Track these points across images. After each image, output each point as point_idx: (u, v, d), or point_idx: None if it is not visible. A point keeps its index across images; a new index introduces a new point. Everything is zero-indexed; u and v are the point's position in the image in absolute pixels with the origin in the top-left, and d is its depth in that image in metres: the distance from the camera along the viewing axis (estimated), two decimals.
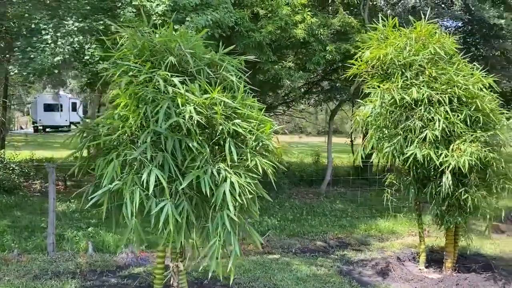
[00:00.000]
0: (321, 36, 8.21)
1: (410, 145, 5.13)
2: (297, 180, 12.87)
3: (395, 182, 5.86)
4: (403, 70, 5.34)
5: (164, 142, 3.56)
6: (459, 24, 12.94)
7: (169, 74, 3.68)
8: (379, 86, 5.34)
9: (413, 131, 5.14)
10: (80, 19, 6.70)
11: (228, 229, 3.56)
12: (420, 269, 5.89)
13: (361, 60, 5.73)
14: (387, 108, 5.37)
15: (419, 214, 5.96)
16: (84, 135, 4.08)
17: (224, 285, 5.30)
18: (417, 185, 5.65)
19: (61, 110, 31.36)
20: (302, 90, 11.35)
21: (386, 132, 5.44)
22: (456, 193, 5.18)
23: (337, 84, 10.89)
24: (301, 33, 7.83)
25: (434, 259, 6.24)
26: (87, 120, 5.60)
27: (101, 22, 6.71)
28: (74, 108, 31.54)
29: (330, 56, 8.24)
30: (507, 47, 9.84)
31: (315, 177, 13.01)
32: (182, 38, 3.96)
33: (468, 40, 12.01)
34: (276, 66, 8.35)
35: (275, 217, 8.84)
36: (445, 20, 12.15)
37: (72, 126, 30.61)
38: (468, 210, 5.28)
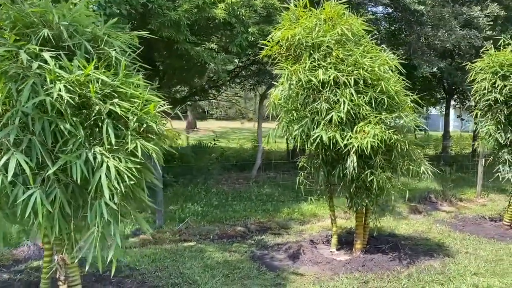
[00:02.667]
0: (243, 17, 7.98)
1: (317, 128, 5.06)
2: (230, 166, 12.72)
3: (305, 165, 5.80)
4: (312, 51, 5.23)
5: (32, 124, 3.22)
6: (389, 11, 13.21)
7: (40, 48, 3.31)
8: (286, 68, 5.21)
9: (319, 113, 5.07)
10: None
11: (106, 218, 3.29)
12: (331, 251, 5.91)
13: (272, 41, 5.57)
14: (295, 91, 5.26)
15: (330, 197, 5.96)
16: None
17: (126, 276, 5.04)
18: (326, 167, 5.63)
19: None
20: (231, 74, 11.10)
21: (295, 114, 5.34)
22: (362, 175, 5.20)
23: (267, 68, 10.74)
24: (221, 13, 7.56)
25: (348, 241, 6.29)
26: None
27: None
28: None
29: (253, 38, 8.05)
30: (427, 33, 10.09)
31: (251, 162, 12.92)
32: (59, 9, 3.59)
33: (395, 26, 12.27)
34: (199, 48, 8.04)
35: (199, 204, 8.62)
36: (374, 6, 12.33)
37: None
38: (374, 192, 5.32)
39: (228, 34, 8.41)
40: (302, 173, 5.93)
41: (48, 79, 3.19)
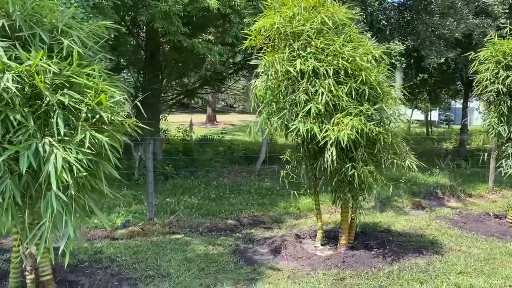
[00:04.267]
0: (238, 8, 7.87)
1: (296, 120, 4.92)
2: (238, 159, 12.67)
3: (288, 158, 5.66)
4: (292, 41, 5.08)
5: None
6: (402, 0, 12.83)
7: None
8: (264, 58, 5.08)
9: (298, 105, 4.93)
10: None
11: (55, 210, 3.27)
12: (315, 246, 5.77)
13: (254, 31, 5.44)
14: (274, 82, 5.13)
15: (315, 191, 5.80)
16: None
17: (104, 267, 5.05)
18: (309, 161, 5.48)
19: None
20: (229, 66, 10.99)
21: (275, 106, 5.21)
22: (343, 169, 5.04)
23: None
24: (214, 4, 7.46)
25: (336, 236, 6.13)
26: None
27: None
28: None
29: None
30: (435, 21, 9.71)
31: (258, 155, 12.82)
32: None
33: (406, 15, 11.90)
34: (195, 40, 7.98)
35: (196, 196, 8.60)
36: None
37: None
38: (356, 186, 5.15)
39: (223, 25, 8.30)
40: (288, 167, 5.80)
41: None
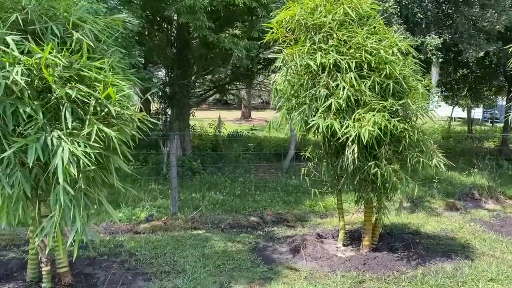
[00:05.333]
0: (265, 1, 7.73)
1: (315, 115, 4.74)
2: (268, 155, 12.54)
3: (309, 155, 5.49)
4: (313, 33, 4.90)
5: None
6: None
7: (4, 32, 3.34)
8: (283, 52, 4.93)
9: (318, 99, 4.74)
10: None
11: (62, 203, 3.27)
12: (337, 247, 5.58)
13: (276, 24, 5.28)
14: (294, 76, 4.97)
15: (338, 189, 5.60)
16: None
17: (119, 261, 5.07)
18: (331, 158, 5.28)
19: None
20: (259, 61, 10.86)
21: (294, 101, 5.05)
22: (366, 167, 4.82)
23: None
24: None
25: (360, 237, 5.91)
26: None
27: None
28: None
29: None
30: (474, 13, 9.19)
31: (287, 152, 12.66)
32: None
33: (444, 7, 11.35)
34: (222, 34, 7.92)
35: (221, 192, 8.55)
36: None
37: None
38: (379, 185, 4.92)
39: (250, 19, 8.18)
40: (310, 164, 5.63)
41: (7, 63, 3.20)
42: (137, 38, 7.19)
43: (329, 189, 5.91)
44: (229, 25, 8.72)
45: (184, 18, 7.08)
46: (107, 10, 5.64)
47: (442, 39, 10.21)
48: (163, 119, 10.80)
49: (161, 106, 10.36)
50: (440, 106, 20.23)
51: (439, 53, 10.20)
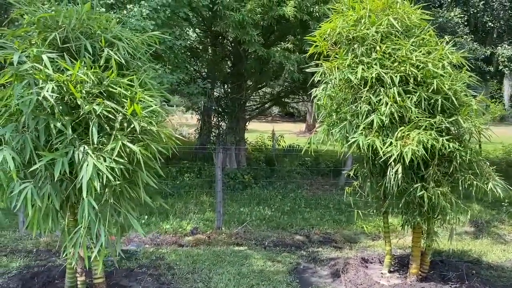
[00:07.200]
0: (317, 14, 7.56)
1: (356, 132, 4.48)
2: (324, 170, 12.20)
3: (353, 174, 5.20)
4: (356, 46, 4.66)
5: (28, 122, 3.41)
6: None
7: (41, 50, 3.50)
8: (321, 65, 4.73)
9: (359, 115, 4.48)
10: None
11: (87, 216, 3.32)
12: (382, 273, 5.19)
13: (320, 37, 5.10)
14: (334, 90, 4.74)
15: (385, 211, 5.23)
16: None
17: (156, 274, 5.09)
18: (376, 178, 4.96)
19: None
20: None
21: (335, 116, 4.81)
22: (412, 189, 4.45)
23: None
24: (290, 11, 7.25)
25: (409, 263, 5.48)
26: None
27: None
28: None
29: None
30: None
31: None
32: (69, 13, 3.75)
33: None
34: (274, 48, 7.86)
35: (270, 208, 8.42)
36: None
37: None
38: (428, 209, 4.52)
39: (302, 32, 8.04)
40: (354, 183, 5.34)
41: (40, 80, 3.35)
42: (189, 53, 7.31)
43: (374, 210, 5.53)
44: (281, 39, 8.64)
45: (234, 33, 7.11)
46: (155, 26, 5.80)
47: None
48: (217, 132, 10.93)
49: (215, 120, 10.47)
50: None
51: None
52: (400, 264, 5.52)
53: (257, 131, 17.66)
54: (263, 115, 22.11)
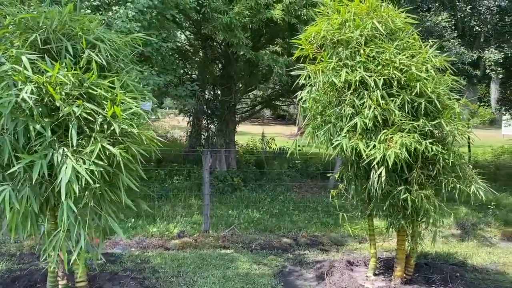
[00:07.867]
0: (305, 17, 7.57)
1: (340, 135, 4.48)
2: (313, 173, 12.22)
3: (337, 177, 5.20)
4: (340, 49, 4.67)
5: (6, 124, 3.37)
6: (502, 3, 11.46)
7: (20, 52, 3.47)
8: (305, 68, 4.74)
9: (343, 118, 4.49)
10: None
11: (66, 219, 3.29)
12: (367, 276, 5.19)
13: (306, 40, 5.10)
14: (319, 93, 4.75)
15: (370, 214, 5.23)
16: None
17: (140, 278, 5.05)
18: (360, 180, 4.97)
19: None
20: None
21: (319, 119, 4.81)
22: (395, 192, 4.46)
23: None
24: (279, 14, 7.26)
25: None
26: None
27: None
28: None
29: None
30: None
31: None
32: (51, 14, 3.72)
33: (506, 19, 10.57)
34: (262, 51, 7.87)
35: (259, 210, 8.41)
36: None
37: None
38: (412, 212, 4.53)
39: (291, 36, 8.05)
40: (340, 186, 5.34)
41: (19, 81, 3.31)
42: (177, 55, 7.29)
43: (360, 213, 5.54)
44: (270, 42, 8.65)
45: (222, 36, 7.10)
46: (141, 28, 5.78)
47: (503, 53, 9.48)
48: (206, 134, 10.90)
49: (204, 122, 10.46)
50: (510, 125, 18.81)
51: (499, 68, 9.47)
52: (386, 267, 5.53)
53: (249, 134, 17.66)
54: (255, 117, 22.09)
